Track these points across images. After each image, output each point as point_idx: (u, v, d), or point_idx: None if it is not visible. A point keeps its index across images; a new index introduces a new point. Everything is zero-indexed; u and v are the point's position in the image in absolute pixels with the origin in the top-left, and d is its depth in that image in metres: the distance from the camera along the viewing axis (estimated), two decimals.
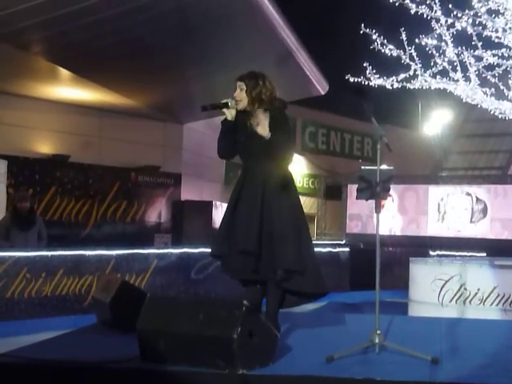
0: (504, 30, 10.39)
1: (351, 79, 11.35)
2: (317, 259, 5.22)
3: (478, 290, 8.89)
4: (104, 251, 10.30)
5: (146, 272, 10.58)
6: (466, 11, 10.57)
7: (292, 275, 4.96)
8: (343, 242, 16.14)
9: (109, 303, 5.66)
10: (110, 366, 4.31)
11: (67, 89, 13.78)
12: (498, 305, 8.74)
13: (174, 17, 10.47)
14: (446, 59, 10.81)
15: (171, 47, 11.61)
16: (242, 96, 5.03)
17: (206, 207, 15.80)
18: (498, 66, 10.87)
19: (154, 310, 4.50)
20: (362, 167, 5.08)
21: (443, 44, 10.78)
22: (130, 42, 11.12)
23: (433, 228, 15.67)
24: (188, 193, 16.80)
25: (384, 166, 4.90)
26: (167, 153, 17.06)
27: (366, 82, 11.18)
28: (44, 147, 14.90)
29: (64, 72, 12.32)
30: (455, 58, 10.80)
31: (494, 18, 10.46)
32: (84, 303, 9.74)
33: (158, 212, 16.14)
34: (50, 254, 9.74)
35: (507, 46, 10.60)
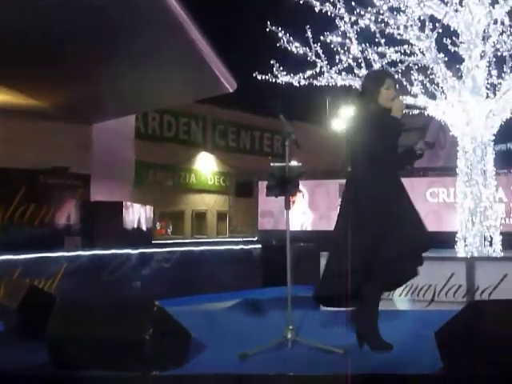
0: (405, 27, 10.59)
1: (258, 77, 11.38)
2: None
3: None
4: (11, 256, 10.02)
5: (56, 276, 10.36)
6: (369, 9, 10.72)
7: None
8: (255, 238, 16.21)
9: (17, 309, 5.54)
10: (22, 373, 4.23)
11: None
12: (406, 295, 8.94)
13: (78, 17, 10.28)
14: (351, 56, 10.94)
15: (77, 47, 11.39)
16: None
17: (117, 208, 15.60)
18: (401, 62, 11.07)
19: (64, 314, 4.43)
20: (272, 164, 5.11)
21: (348, 41, 10.91)
22: (34, 42, 10.85)
23: None
24: (99, 194, 16.52)
25: (293, 163, 4.96)
26: (76, 154, 16.69)
27: (274, 80, 11.23)
28: None
29: None
30: (359, 55, 10.93)
31: (396, 15, 10.66)
32: None
33: (67, 214, 15.82)
34: None
35: (409, 43, 10.82)
